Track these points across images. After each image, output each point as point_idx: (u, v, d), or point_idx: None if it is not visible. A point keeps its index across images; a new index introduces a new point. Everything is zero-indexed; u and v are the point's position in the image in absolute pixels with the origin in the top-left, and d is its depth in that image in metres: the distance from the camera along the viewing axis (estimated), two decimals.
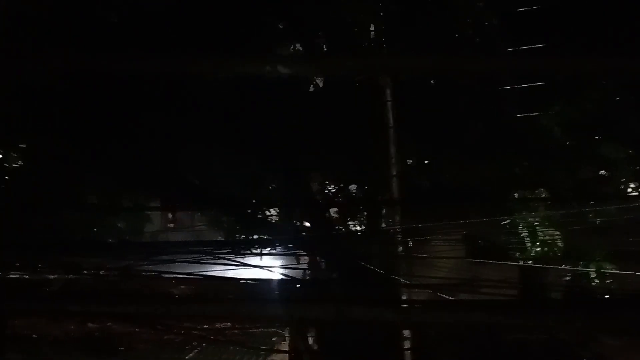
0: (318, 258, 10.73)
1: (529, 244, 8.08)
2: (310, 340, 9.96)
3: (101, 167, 9.70)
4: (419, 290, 7.13)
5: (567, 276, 9.05)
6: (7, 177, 10.11)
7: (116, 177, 10.00)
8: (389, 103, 7.89)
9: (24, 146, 10.17)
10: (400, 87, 8.52)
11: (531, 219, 8.21)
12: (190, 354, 7.86)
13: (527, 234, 8.09)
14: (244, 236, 11.44)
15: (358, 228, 11.55)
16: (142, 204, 11.42)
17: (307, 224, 11.82)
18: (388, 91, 7.99)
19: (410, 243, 7.95)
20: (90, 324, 8.33)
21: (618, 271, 7.82)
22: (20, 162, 10.42)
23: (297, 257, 11.48)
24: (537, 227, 8.12)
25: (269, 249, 11.19)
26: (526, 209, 8.56)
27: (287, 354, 8.94)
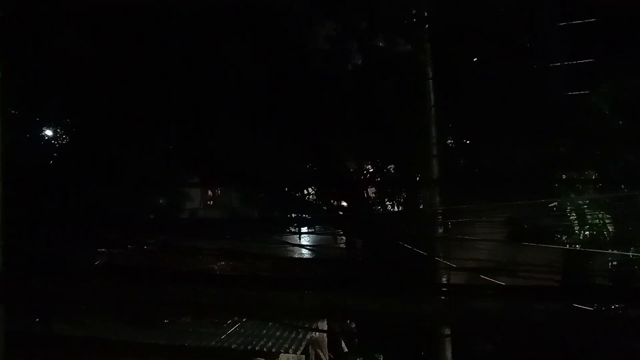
0: (356, 238, 10.71)
1: (576, 228, 7.78)
2: (349, 320, 10.02)
3: (144, 146, 9.92)
4: (459, 273, 7.01)
5: (616, 262, 8.72)
6: (55, 154, 10.48)
7: (158, 155, 10.21)
8: (430, 81, 7.66)
9: (69, 122, 10.49)
10: (442, 65, 8.27)
11: (578, 202, 7.89)
12: (231, 330, 8.01)
13: (574, 217, 7.79)
14: (282, 215, 11.52)
15: (396, 209, 11.43)
16: (182, 181, 11.64)
17: (345, 204, 11.78)
18: (429, 69, 7.75)
19: (450, 224, 7.80)
20: (133, 297, 8.61)
21: None
22: (66, 139, 10.77)
23: (334, 236, 11.50)
24: (585, 211, 7.81)
25: (307, 227, 11.25)
26: (573, 192, 8.23)
27: (326, 333, 9.02)
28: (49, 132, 10.53)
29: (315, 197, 11.68)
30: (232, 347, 7.63)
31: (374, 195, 11.76)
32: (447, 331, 6.95)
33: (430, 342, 7.24)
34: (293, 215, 11.59)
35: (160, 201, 11.77)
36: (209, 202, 19.88)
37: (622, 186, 7.86)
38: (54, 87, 9.18)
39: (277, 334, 7.93)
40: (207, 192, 19.55)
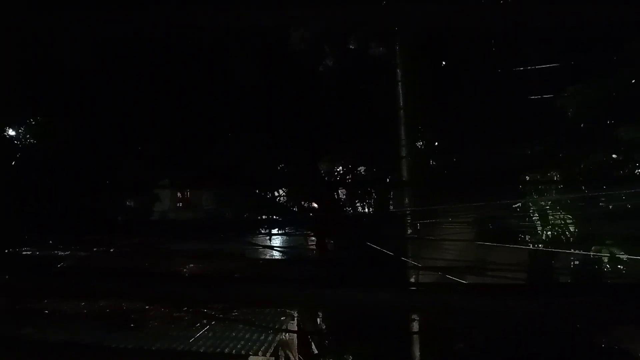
0: (326, 239, 10.76)
1: (539, 228, 8.00)
2: (319, 321, 10.04)
3: (116, 149, 9.75)
4: (427, 273, 7.12)
5: (578, 261, 8.99)
6: (19, 155, 10.19)
7: (128, 157, 10.05)
8: (400, 84, 7.77)
9: (35, 123, 10.23)
10: (412, 68, 8.40)
11: (542, 203, 8.12)
12: (199, 332, 7.93)
13: (537, 217, 8.00)
14: (252, 216, 11.48)
15: (367, 210, 11.54)
16: (152, 183, 11.49)
17: (316, 205, 11.83)
18: (399, 71, 7.87)
19: (419, 225, 7.92)
20: (101, 301, 8.47)
21: (630, 257, 7.75)
22: (33, 140, 10.48)
23: (305, 237, 11.53)
24: (549, 211, 8.03)
25: (277, 229, 11.24)
26: (537, 192, 8.46)
27: (296, 334, 9.01)
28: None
29: (285, 199, 11.70)
30: (201, 350, 7.55)
31: (345, 197, 11.84)
32: (417, 327, 7.05)
33: (400, 340, 7.34)
34: (264, 217, 11.57)
35: (129, 203, 11.58)
36: (178, 204, 19.65)
37: (583, 187, 8.11)
38: (34, 89, 8.94)
39: (247, 336, 7.88)
40: (177, 194, 19.31)
